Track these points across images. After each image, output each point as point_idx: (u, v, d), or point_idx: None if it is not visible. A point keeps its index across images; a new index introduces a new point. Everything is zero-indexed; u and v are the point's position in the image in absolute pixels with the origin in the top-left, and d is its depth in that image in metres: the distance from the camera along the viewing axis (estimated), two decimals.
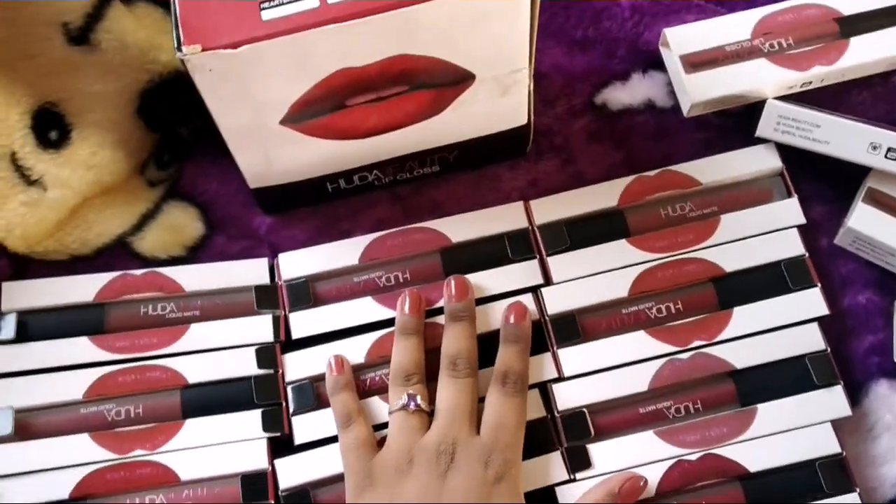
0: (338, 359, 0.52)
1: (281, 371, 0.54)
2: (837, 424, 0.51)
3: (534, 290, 0.55)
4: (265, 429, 0.53)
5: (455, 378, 0.50)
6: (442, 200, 0.59)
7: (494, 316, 0.54)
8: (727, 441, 0.51)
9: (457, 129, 0.54)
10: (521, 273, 0.55)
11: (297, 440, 0.53)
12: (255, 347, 0.55)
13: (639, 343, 0.53)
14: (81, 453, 0.52)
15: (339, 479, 0.51)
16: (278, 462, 0.52)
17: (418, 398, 0.49)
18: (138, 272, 0.57)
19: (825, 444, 0.50)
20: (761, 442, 0.51)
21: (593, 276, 0.55)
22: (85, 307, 0.56)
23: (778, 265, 0.54)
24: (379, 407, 0.53)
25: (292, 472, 0.52)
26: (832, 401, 0.51)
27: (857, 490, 0.50)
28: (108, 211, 0.59)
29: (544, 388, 0.53)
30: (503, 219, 0.57)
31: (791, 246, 0.55)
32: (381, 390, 0.53)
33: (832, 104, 0.57)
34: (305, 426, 0.53)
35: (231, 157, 0.52)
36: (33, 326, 0.55)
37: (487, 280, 0.55)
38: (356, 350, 0.54)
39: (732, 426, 0.51)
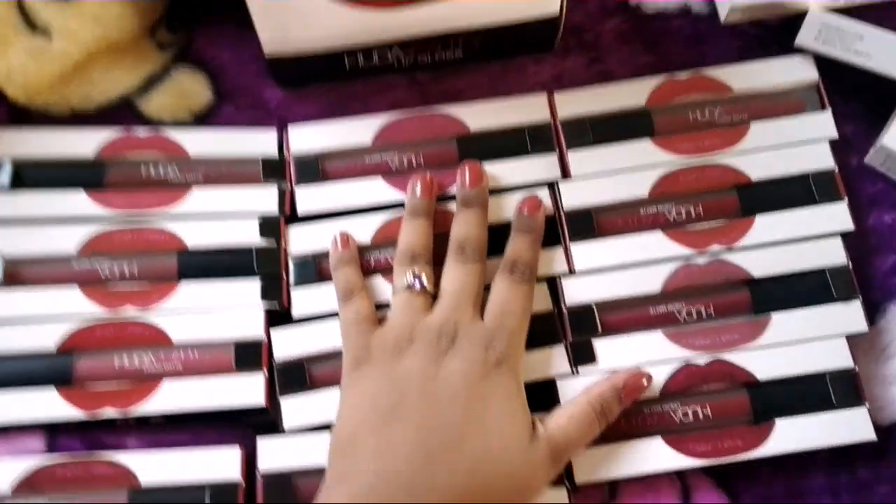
0: (343, 235, 0.51)
1: (284, 244, 0.52)
2: (851, 343, 0.50)
3: (551, 184, 0.53)
4: (263, 297, 0.51)
5: (462, 262, 0.48)
6: (462, 89, 0.57)
7: (508, 207, 0.52)
8: (738, 347, 0.49)
9: (486, 9, 0.51)
10: (540, 166, 0.53)
11: (296, 314, 0.51)
12: (258, 217, 0.52)
13: (655, 243, 0.51)
14: (71, 306, 0.50)
15: (335, 355, 0.49)
16: (274, 332, 0.50)
17: (424, 278, 0.48)
18: (142, 131, 0.54)
19: (838, 357, 0.49)
20: (772, 351, 0.49)
21: (614, 173, 0.53)
22: (84, 162, 0.54)
23: (806, 177, 0.52)
24: (383, 287, 0.51)
25: (288, 344, 0.50)
26: (849, 315, 0.50)
27: (867, 406, 0.48)
28: (115, 70, 0.57)
29: (553, 283, 0.51)
30: (525, 110, 0.54)
31: (821, 158, 0.53)
32: (386, 271, 0.52)
33: (875, 22, 0.55)
34: (304, 300, 0.51)
35: (245, 27, 0.50)
36: (29, 176, 0.53)
37: (504, 171, 0.53)
38: (363, 230, 0.52)
39: (744, 333, 0.50)
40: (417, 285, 0.48)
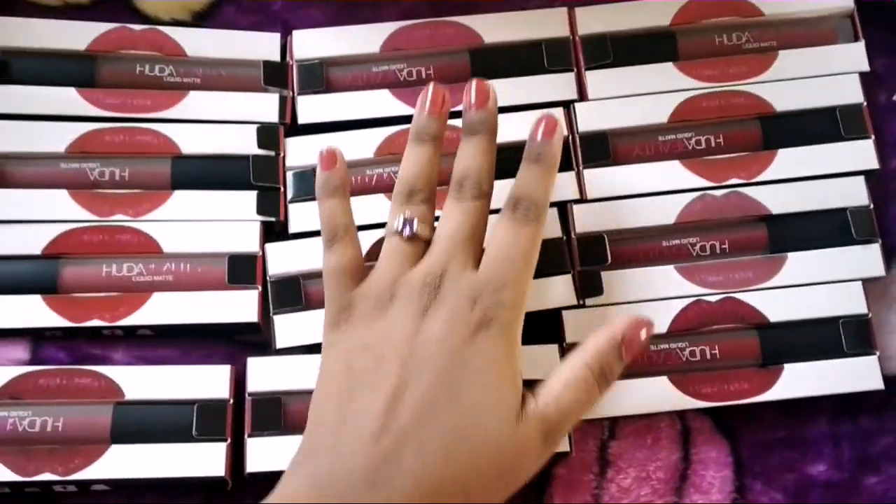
0: (330, 151, 0.44)
1: (282, 154, 0.49)
2: (864, 288, 0.48)
3: (566, 104, 0.50)
4: (259, 211, 0.49)
5: (460, 201, 0.42)
6: (478, 2, 0.53)
7: (520, 126, 0.49)
8: (751, 286, 0.48)
9: None
10: (556, 85, 0.51)
11: (292, 229, 0.49)
12: (256, 125, 0.49)
13: (672, 173, 0.49)
14: (58, 210, 0.48)
15: None
16: (269, 247, 0.48)
17: (415, 222, 0.41)
18: (138, 27, 0.52)
19: (852, 302, 0.48)
20: (786, 292, 0.48)
21: (633, 97, 0.50)
22: (75, 56, 0.51)
23: (832, 110, 0.50)
24: (382, 207, 0.48)
25: (283, 259, 0.48)
26: (867, 258, 0.48)
27: (878, 354, 0.47)
28: None
29: (563, 209, 0.49)
30: (543, 23, 0.52)
31: (849, 92, 0.50)
32: (388, 188, 0.49)
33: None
34: (302, 215, 0.49)
35: None
36: (17, 68, 0.50)
37: (517, 88, 0.51)
38: (366, 143, 0.50)
39: (758, 272, 0.48)
40: (407, 230, 0.41)
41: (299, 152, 0.50)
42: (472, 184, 0.42)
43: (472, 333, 0.38)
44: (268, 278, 0.48)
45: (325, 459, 0.37)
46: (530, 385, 0.40)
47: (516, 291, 0.40)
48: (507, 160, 0.44)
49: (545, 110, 0.46)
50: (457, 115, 0.47)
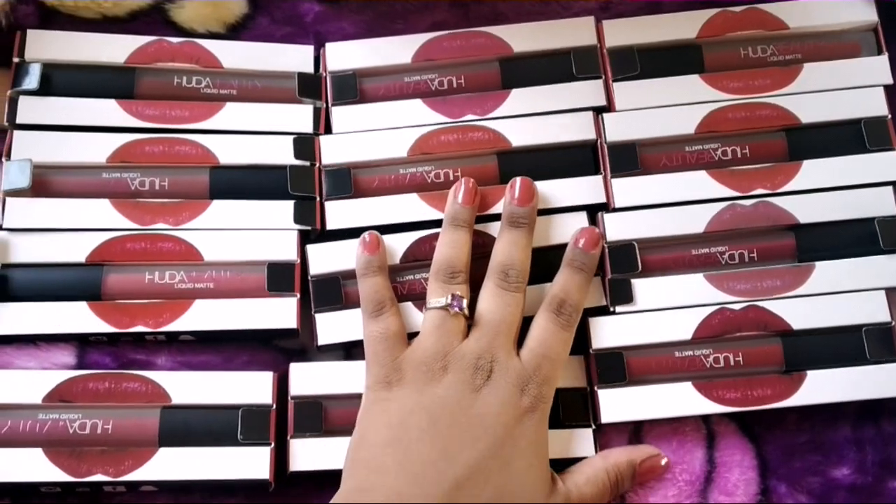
0: (372, 236, 0.48)
1: (318, 164, 0.51)
2: (887, 297, 0.49)
3: (596, 111, 0.51)
4: (296, 220, 0.50)
5: (504, 290, 0.46)
6: (505, 11, 0.55)
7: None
8: (779, 294, 0.49)
9: None
10: (585, 92, 0.52)
11: (329, 226, 0.50)
12: (293, 136, 0.51)
13: (698, 183, 0.50)
14: (101, 219, 0.49)
15: None
16: (310, 248, 0.50)
17: (464, 302, 0.45)
18: (175, 40, 0.53)
19: (875, 310, 0.48)
20: (809, 300, 0.49)
21: (660, 108, 0.51)
22: (115, 69, 0.52)
23: (857, 123, 0.51)
24: (416, 205, 0.51)
25: (323, 260, 0.50)
26: (894, 268, 0.49)
27: None
28: None
29: (592, 215, 0.51)
30: (571, 33, 0.53)
31: (874, 104, 0.51)
32: (421, 187, 0.51)
33: None
34: (338, 212, 0.50)
35: None
36: (58, 81, 0.51)
37: (547, 96, 0.52)
38: (399, 143, 0.51)
39: (786, 280, 0.49)
40: (456, 307, 0.45)
41: (333, 151, 0.51)
42: (516, 275, 0.46)
43: (521, 416, 0.43)
44: (309, 278, 0.49)
45: (381, 498, 0.41)
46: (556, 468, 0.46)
47: (553, 386, 0.45)
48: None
49: (587, 227, 0.50)
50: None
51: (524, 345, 0.45)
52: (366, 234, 0.48)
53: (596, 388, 0.48)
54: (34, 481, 0.45)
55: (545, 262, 0.49)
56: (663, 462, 0.47)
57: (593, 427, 0.48)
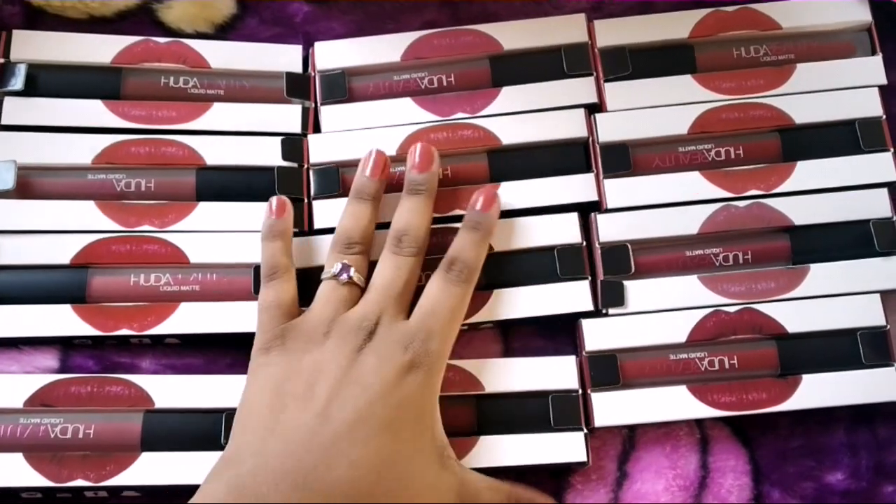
0: (281, 201, 0.47)
1: (306, 166, 0.50)
2: (883, 300, 0.49)
3: (588, 108, 0.51)
4: None
5: (396, 254, 0.45)
6: (497, 11, 0.54)
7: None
8: (773, 297, 0.48)
9: None
10: (576, 90, 0.51)
11: (317, 225, 0.50)
12: (280, 137, 0.50)
13: (692, 184, 0.50)
14: (85, 220, 0.49)
15: None
16: (296, 241, 0.49)
17: (352, 270, 0.45)
18: (162, 40, 0.52)
19: (870, 314, 0.48)
20: (804, 303, 0.48)
21: (653, 108, 0.51)
22: (101, 69, 0.51)
23: (851, 123, 0.50)
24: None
25: (309, 255, 0.49)
26: (889, 270, 0.49)
27: (895, 365, 0.47)
28: None
29: (585, 216, 0.50)
30: (562, 30, 0.52)
31: (868, 105, 0.51)
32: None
33: None
34: (326, 211, 0.50)
35: None
36: (44, 81, 0.51)
37: (538, 93, 0.51)
38: (389, 141, 0.50)
39: (781, 282, 0.49)
40: (345, 276, 0.45)
41: (321, 150, 0.51)
42: (410, 240, 0.46)
43: (404, 373, 0.42)
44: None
45: (249, 463, 0.39)
46: None
47: (442, 343, 0.44)
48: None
49: (486, 185, 0.49)
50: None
51: (415, 308, 0.45)
52: (273, 199, 0.47)
53: (589, 391, 0.47)
54: (14, 486, 0.44)
55: (534, 264, 0.48)
56: None
57: (585, 431, 0.47)
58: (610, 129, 0.50)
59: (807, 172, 0.50)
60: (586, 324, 0.48)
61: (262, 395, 0.42)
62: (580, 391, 0.47)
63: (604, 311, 0.48)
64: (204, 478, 0.41)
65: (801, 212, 0.49)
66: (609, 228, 0.49)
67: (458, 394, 0.47)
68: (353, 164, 0.50)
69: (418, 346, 0.43)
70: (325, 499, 0.38)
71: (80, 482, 0.44)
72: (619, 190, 0.50)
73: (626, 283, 0.49)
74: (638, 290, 0.49)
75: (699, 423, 0.49)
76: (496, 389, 0.47)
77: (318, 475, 0.39)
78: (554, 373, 0.47)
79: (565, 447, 0.47)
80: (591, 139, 0.50)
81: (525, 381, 0.47)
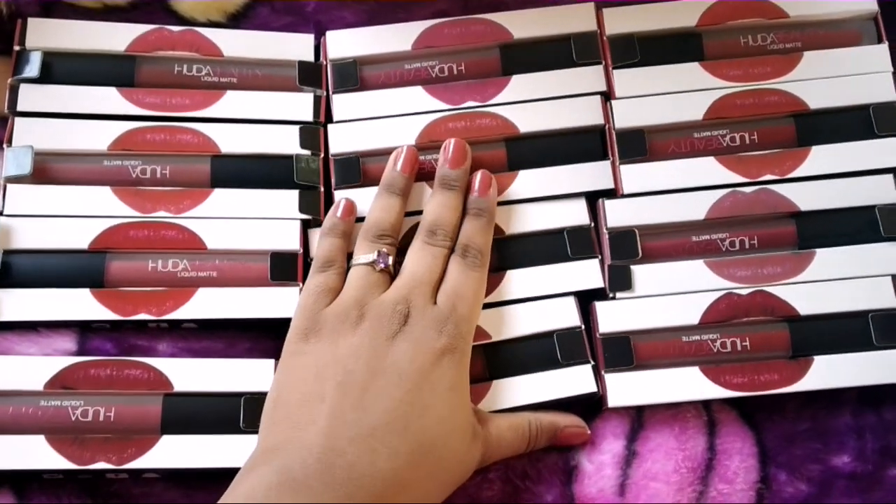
0: (348, 202, 0.49)
1: (322, 154, 0.51)
2: (894, 283, 0.49)
3: (602, 94, 0.52)
4: (301, 210, 0.50)
5: (430, 245, 0.47)
6: (506, 0, 0.55)
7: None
8: (779, 281, 0.49)
9: None
10: (586, 78, 0.52)
11: None
12: (299, 126, 0.51)
13: (707, 169, 0.50)
14: (102, 206, 0.49)
15: None
16: (312, 232, 0.50)
17: (390, 259, 0.46)
18: (175, 28, 0.53)
19: (882, 296, 0.48)
20: (816, 286, 0.49)
21: (667, 94, 0.51)
22: (115, 57, 0.52)
23: (866, 108, 0.51)
24: (423, 193, 0.51)
25: None
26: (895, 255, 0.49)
27: None
28: None
29: (592, 202, 0.51)
30: (571, 19, 0.53)
31: (882, 90, 0.51)
32: (430, 176, 0.51)
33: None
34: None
35: None
36: (59, 69, 0.51)
37: (547, 82, 0.52)
38: (407, 131, 0.51)
39: (787, 267, 0.49)
40: (381, 264, 0.46)
41: (341, 140, 0.51)
42: (443, 233, 0.47)
43: (439, 358, 0.43)
44: (309, 260, 0.50)
45: (296, 455, 0.39)
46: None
47: (470, 326, 0.45)
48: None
49: (480, 171, 0.50)
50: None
51: (438, 293, 0.45)
52: (343, 199, 0.49)
53: (603, 372, 0.48)
54: (36, 468, 0.44)
55: (546, 246, 0.49)
56: (582, 439, 0.48)
57: (592, 363, 0.48)
58: (626, 115, 0.51)
59: (821, 157, 0.50)
60: (600, 306, 0.49)
61: (300, 384, 0.42)
62: (582, 327, 0.48)
63: (611, 296, 0.49)
64: (241, 464, 0.42)
65: (808, 197, 0.50)
66: (616, 214, 0.50)
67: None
68: (372, 154, 0.51)
69: (451, 329, 0.44)
70: (369, 489, 0.39)
71: (102, 465, 0.45)
72: (635, 175, 0.50)
73: (633, 267, 0.49)
74: (645, 275, 0.49)
75: (706, 405, 0.49)
76: (502, 336, 0.48)
77: (361, 468, 0.39)
78: (556, 313, 0.48)
79: (575, 381, 0.48)
80: (607, 126, 0.51)
81: (529, 324, 0.48)
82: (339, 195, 0.50)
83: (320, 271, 0.46)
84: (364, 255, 0.46)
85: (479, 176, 0.49)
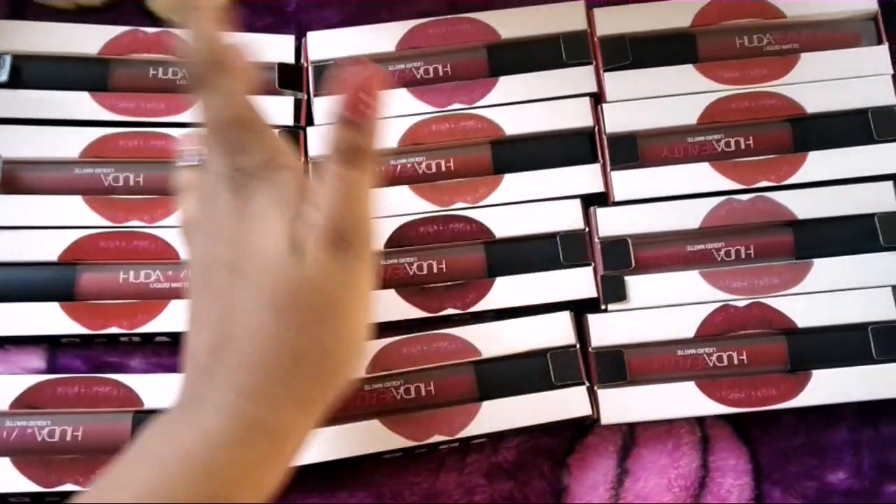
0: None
1: (302, 157, 0.49)
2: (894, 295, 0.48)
3: (593, 96, 0.50)
4: None
5: None
6: (493, 1, 0.53)
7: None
8: (776, 292, 0.47)
9: None
10: (575, 79, 0.50)
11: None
12: (277, 130, 0.49)
13: (702, 175, 0.49)
14: (73, 216, 0.47)
15: None
16: None
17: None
18: (150, 30, 0.51)
19: (882, 309, 0.47)
20: (814, 297, 0.47)
21: (660, 98, 0.50)
22: (88, 60, 0.50)
23: (865, 112, 0.49)
24: (406, 197, 0.49)
25: None
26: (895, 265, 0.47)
27: None
28: None
29: (586, 207, 0.49)
30: (561, 18, 0.51)
31: (881, 93, 0.50)
32: (411, 179, 0.49)
33: None
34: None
35: None
36: (29, 73, 0.50)
37: (536, 83, 0.50)
38: (388, 134, 0.49)
39: (784, 278, 0.47)
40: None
41: (320, 143, 0.50)
42: None
43: (248, 180, 0.37)
44: None
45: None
46: None
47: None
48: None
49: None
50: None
51: None
52: None
53: (596, 387, 0.46)
54: (2, 492, 0.43)
55: (537, 251, 0.48)
56: (366, 90, 0.36)
57: (587, 384, 0.46)
58: (617, 119, 0.49)
59: (818, 163, 0.49)
60: (592, 319, 0.47)
61: None
62: (577, 346, 0.46)
63: (604, 308, 0.47)
64: None
65: (805, 205, 0.48)
66: (609, 223, 0.48)
67: (455, 363, 0.46)
68: None
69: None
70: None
71: (69, 486, 0.43)
72: (627, 182, 0.49)
73: (626, 278, 0.47)
74: (639, 286, 0.48)
75: (700, 420, 0.48)
76: (493, 354, 0.46)
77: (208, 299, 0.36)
78: (550, 330, 0.47)
79: (569, 403, 0.46)
80: (597, 129, 0.49)
81: (521, 341, 0.47)
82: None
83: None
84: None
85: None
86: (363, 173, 0.36)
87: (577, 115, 0.50)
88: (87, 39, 0.50)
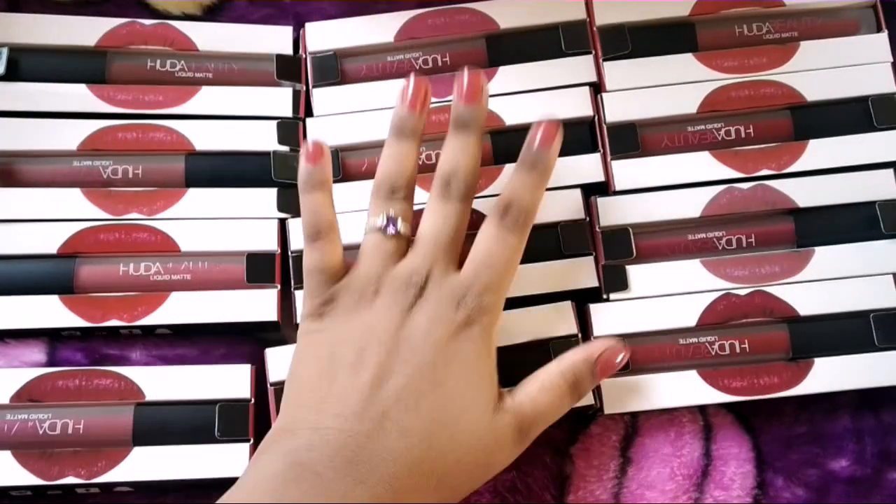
0: (317, 144, 0.43)
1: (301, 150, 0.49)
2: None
3: (592, 86, 0.50)
4: (280, 209, 0.48)
5: (445, 201, 0.42)
6: None
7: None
8: (778, 280, 0.47)
9: None
10: (575, 68, 0.50)
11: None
12: (276, 121, 0.49)
13: (702, 164, 0.48)
14: (72, 209, 0.47)
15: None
16: (293, 222, 0.48)
17: (399, 221, 0.42)
18: (148, 22, 0.51)
19: (883, 296, 0.47)
20: (816, 285, 0.47)
21: (660, 87, 0.49)
22: (85, 52, 0.50)
23: (865, 100, 0.49)
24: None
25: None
26: None
27: None
28: None
29: (587, 197, 0.49)
30: (560, 8, 0.51)
31: (881, 81, 0.50)
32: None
33: None
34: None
35: None
36: (26, 65, 0.49)
37: (535, 73, 0.50)
38: (383, 126, 0.48)
39: (785, 266, 0.47)
40: (391, 229, 0.42)
41: (320, 134, 0.49)
42: (459, 184, 0.42)
43: (456, 333, 0.40)
44: (290, 254, 0.48)
45: (304, 437, 0.37)
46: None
47: (497, 296, 0.41)
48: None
49: (546, 113, 0.45)
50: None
51: (467, 259, 0.42)
52: (309, 142, 0.43)
53: None
54: (3, 485, 0.43)
55: (538, 240, 0.46)
56: (620, 356, 0.43)
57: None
58: (617, 108, 0.49)
59: (819, 151, 0.49)
60: (594, 308, 0.47)
61: (314, 364, 0.40)
62: (579, 335, 0.46)
63: (605, 297, 0.47)
64: (217, 475, 0.42)
65: (806, 193, 0.48)
66: (610, 212, 0.48)
67: None
68: (352, 149, 0.49)
69: (472, 301, 0.40)
70: (380, 470, 0.37)
71: (71, 479, 0.43)
72: (627, 171, 0.49)
73: (628, 267, 0.47)
74: (640, 275, 0.47)
75: (702, 409, 0.48)
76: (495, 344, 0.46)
77: (371, 448, 0.37)
78: (552, 320, 0.46)
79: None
80: (596, 118, 0.49)
81: (523, 331, 0.46)
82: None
83: (311, 242, 0.42)
84: (374, 219, 0.42)
85: (542, 126, 0.43)
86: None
87: (576, 105, 0.50)
88: (85, 31, 0.50)
